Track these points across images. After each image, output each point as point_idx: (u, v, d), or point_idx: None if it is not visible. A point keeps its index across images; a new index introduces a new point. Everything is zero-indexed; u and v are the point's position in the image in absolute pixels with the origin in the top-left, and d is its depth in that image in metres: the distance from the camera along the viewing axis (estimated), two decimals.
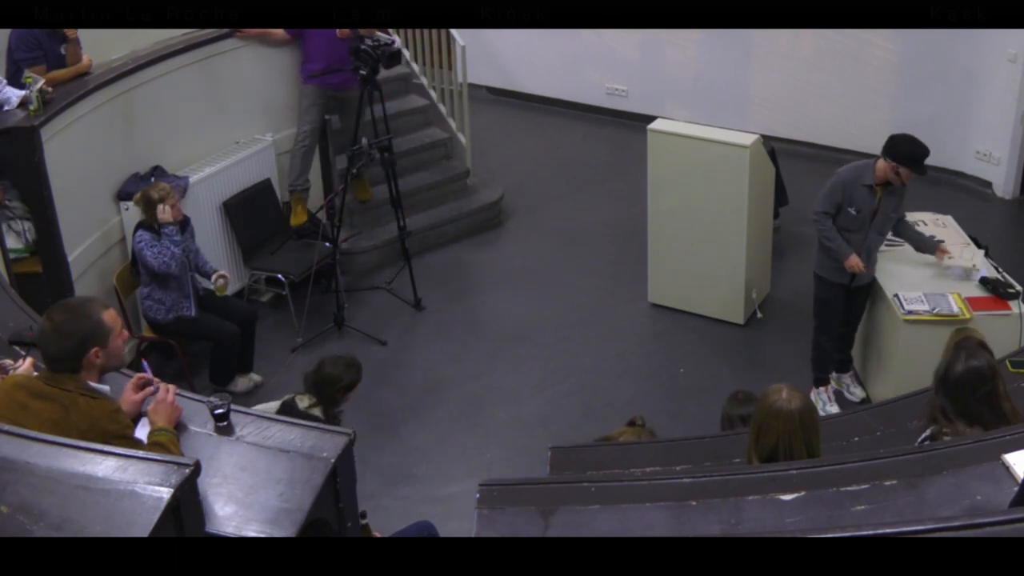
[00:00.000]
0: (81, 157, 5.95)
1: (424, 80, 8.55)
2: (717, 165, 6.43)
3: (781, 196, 7.44)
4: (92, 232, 6.10)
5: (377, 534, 4.26)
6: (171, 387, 3.33)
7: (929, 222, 6.25)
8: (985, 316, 5.41)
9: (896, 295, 5.62)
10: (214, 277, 6.10)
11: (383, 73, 6.82)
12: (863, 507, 2.56)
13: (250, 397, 6.02)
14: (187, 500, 2.63)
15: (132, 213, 6.03)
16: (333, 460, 3.07)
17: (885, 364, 5.83)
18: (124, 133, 6.31)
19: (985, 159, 8.32)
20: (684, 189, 6.60)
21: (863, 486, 2.61)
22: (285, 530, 2.85)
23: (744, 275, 6.63)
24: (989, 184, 8.36)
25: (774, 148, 7.23)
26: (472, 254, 7.85)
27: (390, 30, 7.39)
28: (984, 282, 5.67)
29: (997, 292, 5.59)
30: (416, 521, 4.57)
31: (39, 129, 5.45)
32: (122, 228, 6.28)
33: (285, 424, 3.26)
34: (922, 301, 5.54)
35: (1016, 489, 2.48)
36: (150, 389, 3.36)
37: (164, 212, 5.75)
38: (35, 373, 3.32)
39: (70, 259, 5.79)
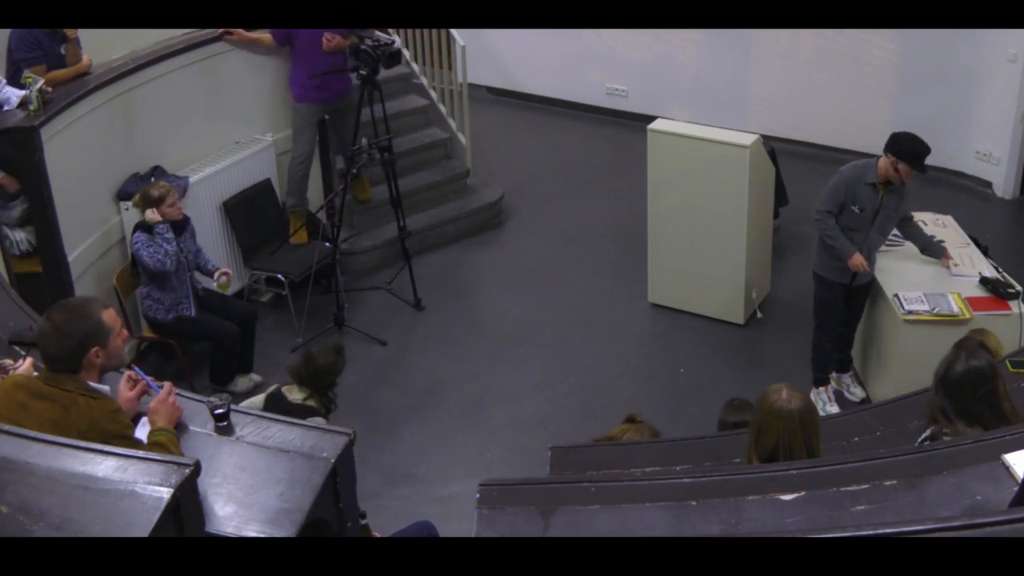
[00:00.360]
0: (81, 157, 5.95)
1: (424, 80, 8.55)
2: (717, 165, 6.43)
3: (781, 196, 7.44)
4: (92, 232, 6.10)
5: (377, 534, 4.26)
6: (167, 384, 3.33)
7: (929, 222, 6.24)
8: (985, 316, 5.41)
9: (896, 295, 5.62)
10: (217, 274, 6.10)
11: (383, 73, 6.82)
12: (863, 507, 2.55)
13: (250, 397, 6.01)
14: (187, 500, 2.63)
15: (132, 213, 6.02)
16: (333, 460, 3.07)
17: (885, 364, 5.83)
18: (124, 133, 6.31)
19: (985, 159, 8.32)
20: (684, 189, 6.60)
21: (863, 486, 2.61)
22: (285, 530, 2.85)
23: (744, 275, 6.63)
24: (989, 184, 8.36)
25: (774, 148, 7.23)
26: (472, 254, 7.85)
27: (390, 30, 7.39)
28: (984, 282, 5.67)
29: (997, 292, 5.59)
30: (416, 521, 4.57)
31: (39, 129, 5.45)
32: (122, 228, 6.28)
33: (285, 424, 3.26)
34: (922, 301, 5.54)
35: (1016, 489, 2.48)
36: (143, 384, 3.36)
37: (153, 214, 5.75)
38: (35, 373, 3.32)
39: (70, 259, 5.78)
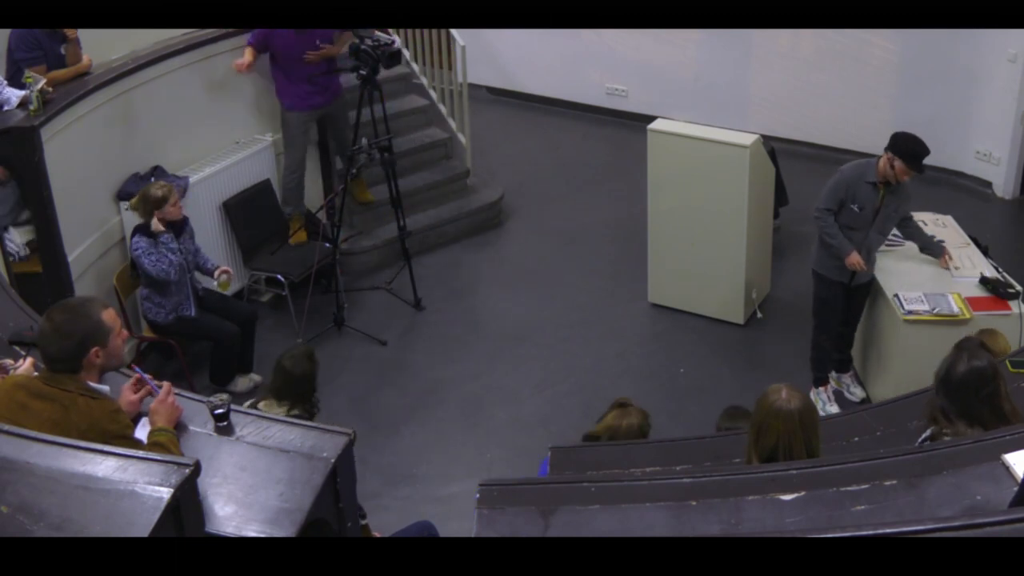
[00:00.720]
0: (81, 157, 5.95)
1: (424, 80, 8.55)
2: (717, 165, 6.43)
3: (781, 196, 7.44)
4: (92, 232, 6.10)
5: (377, 534, 4.27)
6: (166, 384, 3.33)
7: (929, 222, 6.24)
8: (985, 316, 5.41)
9: (896, 295, 5.62)
10: (217, 273, 6.09)
11: (383, 73, 6.82)
12: (863, 507, 2.55)
13: (250, 397, 6.01)
14: (187, 500, 2.63)
15: (132, 214, 6.02)
16: (333, 460, 3.07)
17: (885, 364, 5.83)
18: (124, 133, 6.31)
19: (985, 159, 8.32)
20: (684, 189, 6.60)
21: (863, 486, 2.61)
22: (285, 530, 2.85)
23: (744, 275, 6.63)
24: (989, 184, 8.36)
25: (774, 148, 7.23)
26: (472, 254, 7.85)
27: (390, 30, 7.39)
28: (984, 282, 5.67)
29: (997, 292, 5.59)
30: (416, 521, 4.57)
31: (39, 129, 5.45)
32: (122, 228, 6.28)
33: (285, 424, 3.27)
34: (922, 301, 5.54)
35: (1016, 489, 2.48)
36: (148, 388, 3.36)
37: (157, 225, 5.74)
38: (35, 373, 3.33)
39: (70, 259, 5.78)
